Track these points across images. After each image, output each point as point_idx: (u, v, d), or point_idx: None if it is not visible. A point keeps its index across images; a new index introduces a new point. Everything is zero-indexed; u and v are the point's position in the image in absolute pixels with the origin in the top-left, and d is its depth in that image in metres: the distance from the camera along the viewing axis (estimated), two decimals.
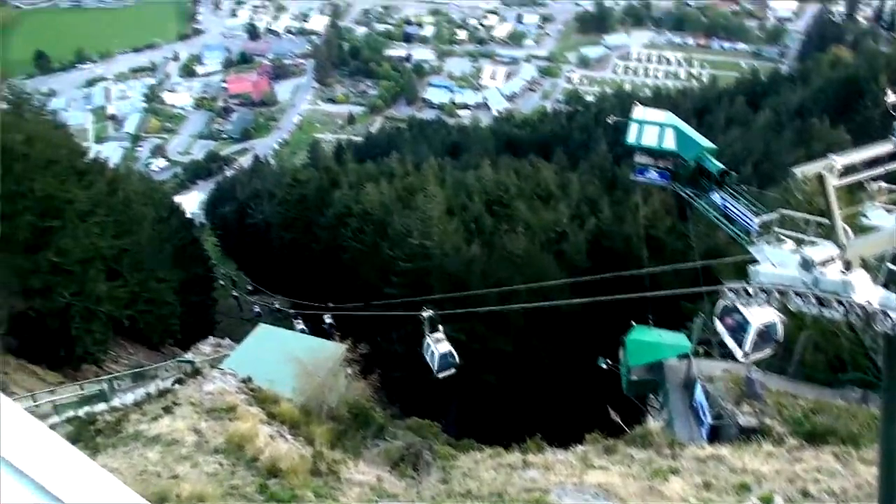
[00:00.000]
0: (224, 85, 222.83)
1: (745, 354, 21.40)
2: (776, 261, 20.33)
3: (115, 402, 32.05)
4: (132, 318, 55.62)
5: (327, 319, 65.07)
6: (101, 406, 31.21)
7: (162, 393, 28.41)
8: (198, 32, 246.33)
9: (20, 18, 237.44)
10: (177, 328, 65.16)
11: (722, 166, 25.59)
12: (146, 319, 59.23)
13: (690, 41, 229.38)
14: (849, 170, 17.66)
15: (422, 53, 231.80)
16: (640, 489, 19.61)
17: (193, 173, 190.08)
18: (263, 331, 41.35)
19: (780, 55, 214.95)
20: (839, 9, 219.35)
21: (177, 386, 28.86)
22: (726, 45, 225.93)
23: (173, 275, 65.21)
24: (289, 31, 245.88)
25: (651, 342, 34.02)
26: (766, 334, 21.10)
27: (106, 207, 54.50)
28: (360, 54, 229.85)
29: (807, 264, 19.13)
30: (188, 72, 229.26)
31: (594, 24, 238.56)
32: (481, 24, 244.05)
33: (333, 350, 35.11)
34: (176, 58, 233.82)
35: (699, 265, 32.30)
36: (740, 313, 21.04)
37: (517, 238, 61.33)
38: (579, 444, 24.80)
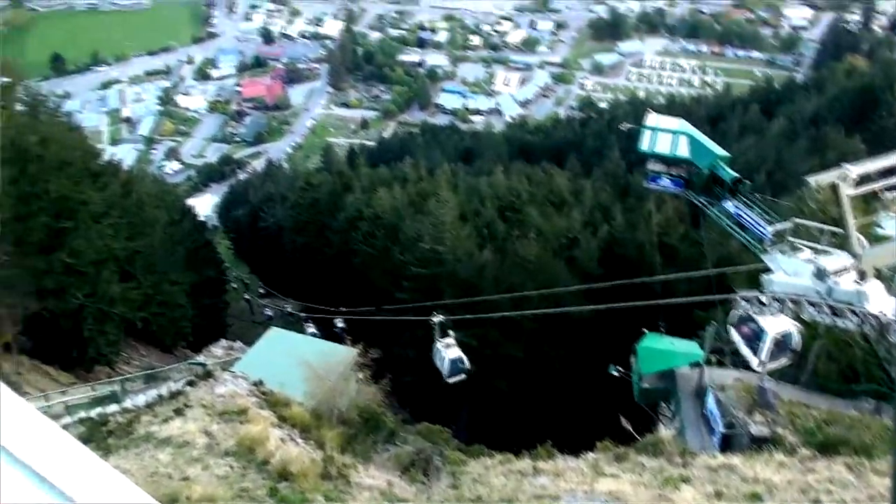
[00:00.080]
0: (238, 88, 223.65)
1: (761, 364, 21.24)
2: (790, 270, 20.30)
3: (127, 403, 32.16)
4: (145, 319, 55.83)
5: (339, 323, 65.11)
6: (113, 407, 31.33)
7: (173, 395, 28.50)
8: (212, 36, 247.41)
9: (35, 21, 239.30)
10: (189, 330, 65.39)
11: (735, 174, 25.51)
12: (159, 321, 59.44)
13: (704, 49, 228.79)
14: (863, 179, 17.61)
15: (435, 59, 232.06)
16: (650, 497, 19.51)
17: (207, 176, 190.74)
18: (275, 334, 41.42)
19: (794, 63, 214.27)
20: (854, 17, 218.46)
21: (188, 388, 28.94)
22: (740, 52, 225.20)
23: (186, 277, 65.46)
24: (303, 36, 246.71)
25: (663, 350, 33.88)
26: (782, 343, 20.97)
27: (120, 209, 54.76)
28: (374, 59, 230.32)
29: (821, 274, 19.08)
30: (202, 75, 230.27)
31: (608, 30, 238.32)
32: (495, 30, 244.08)
33: (344, 354, 35.14)
34: (190, 61, 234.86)
35: (712, 273, 32.26)
36: (756, 322, 20.91)
37: (529, 244, 61.25)
38: (590, 452, 24.66)
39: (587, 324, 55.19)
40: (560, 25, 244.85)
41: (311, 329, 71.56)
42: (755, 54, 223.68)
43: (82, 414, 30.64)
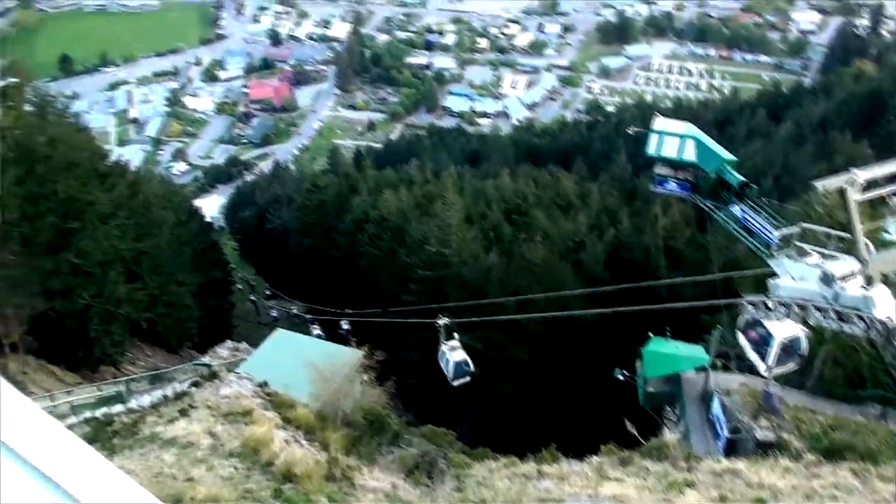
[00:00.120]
0: (245, 90, 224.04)
1: (769, 369, 21.18)
2: (796, 274, 20.26)
3: (133, 403, 32.22)
4: (151, 320, 55.92)
5: (344, 325, 65.14)
6: (119, 407, 31.39)
7: (178, 396, 28.55)
8: (220, 37, 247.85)
9: (44, 22, 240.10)
10: (194, 331, 65.45)
11: (742, 178, 25.48)
12: (164, 322, 59.52)
13: (712, 52, 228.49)
14: (871, 184, 17.57)
15: (443, 61, 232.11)
16: (655, 502, 19.48)
17: (214, 177, 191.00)
18: (280, 336, 41.46)
19: (802, 68, 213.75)
20: (863, 22, 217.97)
21: (193, 389, 28.99)
22: (748, 56, 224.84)
23: (192, 278, 65.52)
24: (311, 38, 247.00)
25: (668, 354, 33.82)
26: (790, 348, 20.91)
27: (127, 210, 54.86)
28: (382, 61, 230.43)
29: (827, 279, 19.05)
30: (210, 76, 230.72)
31: (616, 34, 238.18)
32: (502, 33, 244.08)
33: (350, 356, 35.18)
34: (198, 62, 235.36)
35: (718, 277, 32.18)
36: (764, 327, 20.84)
37: (535, 247, 61.22)
38: (595, 456, 24.65)
39: (592, 327, 55.15)
40: (567, 28, 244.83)
41: (317, 331, 71.62)
42: (763, 58, 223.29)
43: (87, 414, 30.70)
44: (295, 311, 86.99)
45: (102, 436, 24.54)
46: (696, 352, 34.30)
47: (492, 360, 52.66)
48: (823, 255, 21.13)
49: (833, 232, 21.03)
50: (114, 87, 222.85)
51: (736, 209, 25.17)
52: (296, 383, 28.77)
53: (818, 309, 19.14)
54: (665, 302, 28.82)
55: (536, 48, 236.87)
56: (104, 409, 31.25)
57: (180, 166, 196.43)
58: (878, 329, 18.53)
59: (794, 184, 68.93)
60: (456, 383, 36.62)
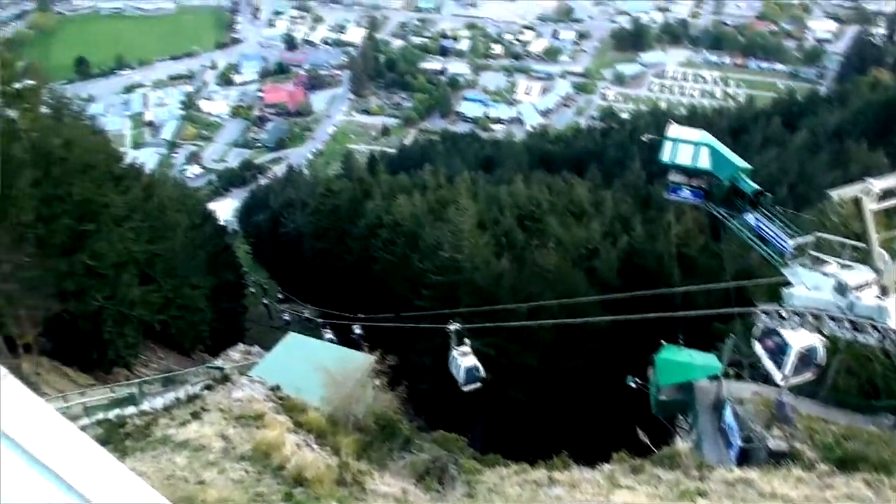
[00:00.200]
0: (260, 94, 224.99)
1: (785, 378, 21.04)
2: (810, 284, 20.16)
3: (145, 405, 32.28)
4: (164, 322, 56.11)
5: (357, 330, 65.21)
6: (131, 409, 31.45)
7: (191, 398, 28.59)
8: (236, 41, 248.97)
9: (62, 24, 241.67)
10: (207, 334, 65.62)
11: (757, 187, 25.35)
12: (178, 325, 59.73)
13: (727, 60, 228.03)
14: (887, 194, 17.46)
15: (457, 67, 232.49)
16: None
17: (228, 181, 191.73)
18: (293, 339, 41.54)
19: (818, 76, 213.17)
20: (879, 31, 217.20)
21: (206, 392, 29.03)
22: (764, 64, 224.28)
23: (205, 281, 65.74)
24: (325, 42, 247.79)
25: (681, 362, 33.68)
26: (806, 358, 20.78)
27: (141, 213, 55.07)
28: (396, 66, 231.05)
29: (842, 288, 18.93)
30: (225, 80, 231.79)
31: (630, 41, 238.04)
32: (517, 39, 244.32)
33: (362, 361, 35.20)
34: (213, 66, 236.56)
35: (731, 286, 32.04)
36: (780, 336, 20.71)
37: (548, 254, 61.09)
38: (606, 463, 24.56)
39: (605, 334, 55.02)
40: (582, 35, 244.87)
41: (329, 335, 71.69)
42: (778, 66, 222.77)
43: (100, 415, 30.75)
44: (307, 314, 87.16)
45: (115, 437, 24.61)
46: (708, 360, 34.13)
47: (503, 366, 52.57)
48: (839, 265, 21.02)
49: (848, 241, 20.90)
50: (129, 89, 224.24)
51: (750, 217, 25.04)
52: (308, 387, 28.79)
53: (832, 318, 19.03)
54: (678, 310, 28.69)
55: (551, 54, 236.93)
56: (117, 411, 31.31)
57: (195, 169, 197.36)
58: (892, 339, 18.42)
59: (808, 192, 68.66)
60: (466, 389, 36.64)
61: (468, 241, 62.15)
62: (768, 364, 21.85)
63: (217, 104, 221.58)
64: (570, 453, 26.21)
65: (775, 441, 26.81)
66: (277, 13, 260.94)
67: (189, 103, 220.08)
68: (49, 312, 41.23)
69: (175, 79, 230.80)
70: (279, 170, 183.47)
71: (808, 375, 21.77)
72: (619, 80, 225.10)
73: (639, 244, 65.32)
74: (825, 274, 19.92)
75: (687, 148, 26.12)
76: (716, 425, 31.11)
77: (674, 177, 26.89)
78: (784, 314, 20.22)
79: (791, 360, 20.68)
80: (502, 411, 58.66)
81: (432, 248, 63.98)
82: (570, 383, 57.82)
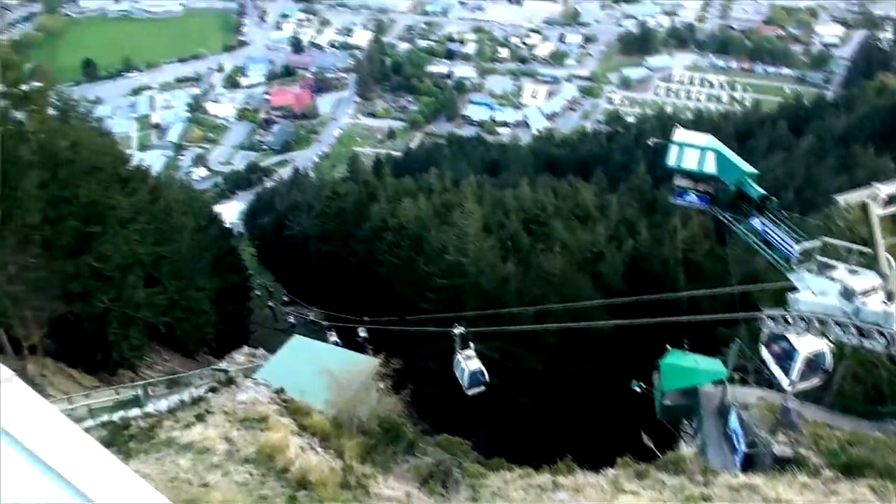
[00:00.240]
0: (267, 97, 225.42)
1: (792, 384, 20.96)
2: (816, 289, 20.09)
3: (150, 407, 32.28)
4: (169, 325, 56.13)
5: (361, 333, 65.20)
6: (136, 411, 31.45)
7: (195, 401, 28.58)
8: (243, 44, 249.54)
9: (69, 27, 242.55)
10: (212, 337, 65.71)
11: (763, 191, 25.35)
12: (182, 327, 59.77)
13: (734, 65, 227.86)
14: (893, 199, 17.38)
15: (463, 70, 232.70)
16: None
17: (234, 183, 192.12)
18: (297, 342, 41.52)
19: (824, 81, 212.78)
20: (887, 35, 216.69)
21: (210, 394, 29.02)
22: (770, 69, 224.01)
23: (211, 283, 65.81)
24: (332, 45, 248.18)
25: (686, 367, 33.66)
26: (814, 363, 20.71)
27: (147, 215, 55.11)
28: (402, 70, 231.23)
29: (848, 294, 18.86)
30: (232, 83, 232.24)
31: (637, 45, 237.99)
32: (523, 43, 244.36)
33: (366, 364, 35.16)
34: (220, 69, 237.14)
35: (737, 290, 31.99)
36: (787, 341, 20.62)
37: (553, 257, 61.06)
38: (610, 468, 24.53)
39: (610, 339, 54.96)
40: (589, 39, 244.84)
41: (334, 338, 71.72)
42: (785, 71, 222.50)
43: (105, 417, 30.78)
44: (312, 317, 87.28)
45: (119, 439, 24.62)
46: (713, 365, 34.12)
47: (508, 370, 52.58)
48: (846, 270, 20.97)
49: (854, 246, 20.83)
50: (136, 92, 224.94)
51: (756, 222, 25.04)
52: (312, 390, 28.76)
53: (838, 324, 18.97)
54: (683, 314, 28.64)
55: (557, 58, 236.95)
56: (121, 413, 31.33)
57: (201, 172, 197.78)
58: None
59: (815, 197, 68.58)
60: (471, 392, 36.64)
61: (473, 245, 62.11)
62: (775, 369, 21.77)
63: (223, 107, 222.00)
64: (574, 458, 26.20)
65: (780, 447, 26.77)
66: (284, 16, 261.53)
67: (196, 106, 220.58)
68: (54, 314, 41.24)
69: (182, 81, 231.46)
70: (285, 172, 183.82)
71: (815, 381, 21.69)
72: (626, 83, 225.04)
73: (644, 248, 65.26)
74: (832, 279, 19.86)
75: (693, 152, 26.14)
76: (721, 430, 31.07)
77: (679, 181, 26.91)
78: (789, 319, 20.16)
79: (798, 365, 20.61)
80: (507, 415, 58.61)
81: (437, 252, 63.97)
82: (574, 387, 57.75)
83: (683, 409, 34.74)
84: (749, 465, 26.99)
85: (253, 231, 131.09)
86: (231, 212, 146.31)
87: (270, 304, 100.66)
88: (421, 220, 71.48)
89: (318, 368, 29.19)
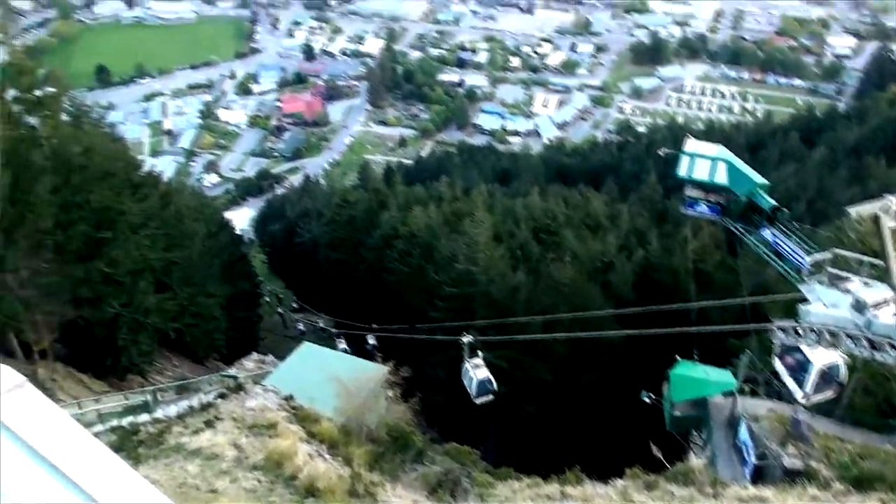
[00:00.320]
0: (278, 104, 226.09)
1: (806, 396, 20.85)
2: (828, 301, 20.00)
3: (159, 413, 32.34)
4: (179, 330, 56.19)
5: (371, 341, 65.18)
6: (145, 417, 31.52)
7: (204, 407, 28.61)
8: (255, 51, 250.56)
9: (83, 33, 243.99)
10: (222, 343, 65.72)
11: (774, 202, 25.24)
12: (192, 333, 59.83)
13: (746, 75, 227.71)
14: None
15: (475, 79, 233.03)
16: None
17: (245, 190, 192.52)
18: (307, 349, 41.56)
19: (837, 92, 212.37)
20: None
21: (219, 400, 29.05)
22: (782, 80, 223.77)
23: (221, 290, 65.85)
24: (344, 53, 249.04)
25: (696, 378, 33.54)
26: (828, 376, 20.60)
27: (158, 220, 55.25)
28: (414, 78, 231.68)
29: (860, 306, 18.77)
30: (244, 90, 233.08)
31: (648, 55, 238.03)
32: (535, 52, 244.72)
33: (375, 371, 35.19)
34: (232, 76, 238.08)
35: (747, 301, 31.88)
36: (802, 353, 20.52)
37: (563, 267, 60.93)
38: (619, 479, 24.44)
39: (619, 349, 54.84)
40: (600, 49, 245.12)
41: (343, 345, 71.72)
42: (797, 82, 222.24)
43: (114, 422, 30.85)
44: (322, 324, 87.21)
45: (128, 445, 24.66)
46: (723, 376, 33.99)
47: (517, 379, 52.46)
48: (859, 282, 20.89)
49: (866, 259, 20.74)
50: (149, 98, 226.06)
51: (767, 233, 24.94)
52: (321, 397, 28.78)
53: (850, 336, 18.87)
54: (693, 325, 28.55)
55: (569, 67, 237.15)
56: (130, 418, 31.41)
57: (212, 178, 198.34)
58: None
59: (827, 209, 68.41)
60: (479, 401, 36.61)
61: (483, 254, 62.06)
62: (789, 382, 21.67)
63: (235, 113, 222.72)
64: (583, 468, 26.10)
65: (790, 459, 26.64)
66: (296, 24, 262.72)
67: (207, 112, 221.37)
68: (65, 318, 41.37)
69: (194, 88, 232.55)
70: (296, 180, 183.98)
71: (829, 393, 21.59)
72: (637, 93, 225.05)
73: (655, 259, 65.11)
74: (843, 291, 19.78)
75: (704, 163, 26.06)
76: (730, 442, 30.95)
77: (690, 191, 26.82)
78: (800, 331, 20.08)
79: (813, 377, 20.52)
80: (515, 424, 58.49)
81: (447, 260, 63.93)
82: (583, 397, 57.59)
83: (693, 420, 34.62)
84: (759, 477, 26.86)
85: (263, 238, 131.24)
86: (242, 218, 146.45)
87: (280, 310, 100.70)
88: (431, 228, 71.45)
89: (328, 376, 29.22)
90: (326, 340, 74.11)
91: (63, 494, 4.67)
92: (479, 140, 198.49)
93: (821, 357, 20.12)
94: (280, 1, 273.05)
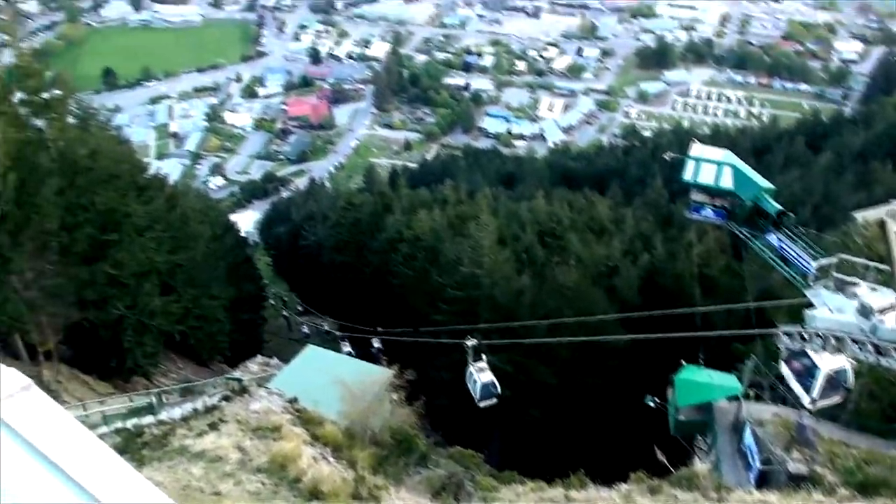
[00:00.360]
0: (284, 107, 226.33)
1: (813, 401, 20.80)
2: (833, 306, 19.95)
3: (163, 415, 32.40)
4: (183, 333, 56.19)
5: (376, 344, 65.16)
6: (149, 419, 31.58)
7: (209, 409, 28.64)
8: (261, 55, 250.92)
9: (90, 36, 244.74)
10: (226, 345, 65.74)
11: (780, 207, 25.20)
12: (197, 335, 59.84)
13: (752, 80, 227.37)
14: None
15: (480, 83, 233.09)
16: None
17: (250, 193, 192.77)
18: (311, 352, 41.60)
19: (843, 97, 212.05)
20: None
21: (223, 403, 29.08)
22: (788, 85, 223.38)
23: (225, 292, 65.87)
24: (350, 57, 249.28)
25: (701, 382, 33.47)
26: (835, 381, 20.55)
27: (164, 223, 55.27)
28: (419, 82, 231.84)
29: (865, 311, 18.72)
30: (250, 93, 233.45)
31: (654, 59, 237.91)
32: (541, 56, 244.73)
33: (380, 375, 35.22)
34: (238, 79, 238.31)
35: (752, 306, 31.82)
36: (809, 358, 20.47)
37: (568, 271, 60.89)
38: (623, 483, 24.40)
39: (624, 353, 54.74)
40: (606, 53, 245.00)
41: (347, 348, 71.73)
42: (803, 87, 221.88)
43: (119, 424, 30.92)
44: (326, 327, 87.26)
45: (132, 447, 24.69)
46: (728, 381, 33.90)
47: (521, 383, 52.42)
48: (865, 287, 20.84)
49: (872, 264, 20.69)
50: (155, 101, 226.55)
51: (772, 238, 24.89)
52: (325, 400, 28.80)
53: (855, 341, 18.82)
54: (698, 330, 28.51)
55: (574, 72, 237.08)
56: (135, 420, 31.48)
57: (217, 181, 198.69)
58: None
59: (832, 214, 68.32)
60: (482, 405, 36.59)
61: (488, 257, 61.99)
62: (795, 386, 21.61)
63: (241, 116, 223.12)
64: (587, 472, 26.07)
65: (795, 464, 26.57)
66: (303, 27, 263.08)
67: (213, 115, 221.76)
68: (70, 320, 41.48)
69: (200, 91, 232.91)
70: (301, 182, 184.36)
71: (836, 398, 21.54)
72: (643, 98, 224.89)
73: (660, 263, 65.02)
74: (849, 296, 19.73)
75: (710, 167, 26.03)
76: (735, 447, 30.88)
77: (696, 196, 26.80)
78: (806, 336, 20.03)
79: (820, 382, 20.47)
80: (520, 428, 58.40)
81: (452, 264, 63.89)
82: (588, 401, 57.50)
83: (698, 424, 34.56)
84: (763, 481, 26.80)
85: (268, 240, 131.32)
86: (247, 221, 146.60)
87: (285, 313, 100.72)
88: (436, 231, 71.43)
89: (332, 379, 29.27)
90: (331, 343, 74.10)
91: (67, 496, 4.67)
92: (484, 143, 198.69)
93: (828, 362, 20.08)
94: (286, 4, 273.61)
